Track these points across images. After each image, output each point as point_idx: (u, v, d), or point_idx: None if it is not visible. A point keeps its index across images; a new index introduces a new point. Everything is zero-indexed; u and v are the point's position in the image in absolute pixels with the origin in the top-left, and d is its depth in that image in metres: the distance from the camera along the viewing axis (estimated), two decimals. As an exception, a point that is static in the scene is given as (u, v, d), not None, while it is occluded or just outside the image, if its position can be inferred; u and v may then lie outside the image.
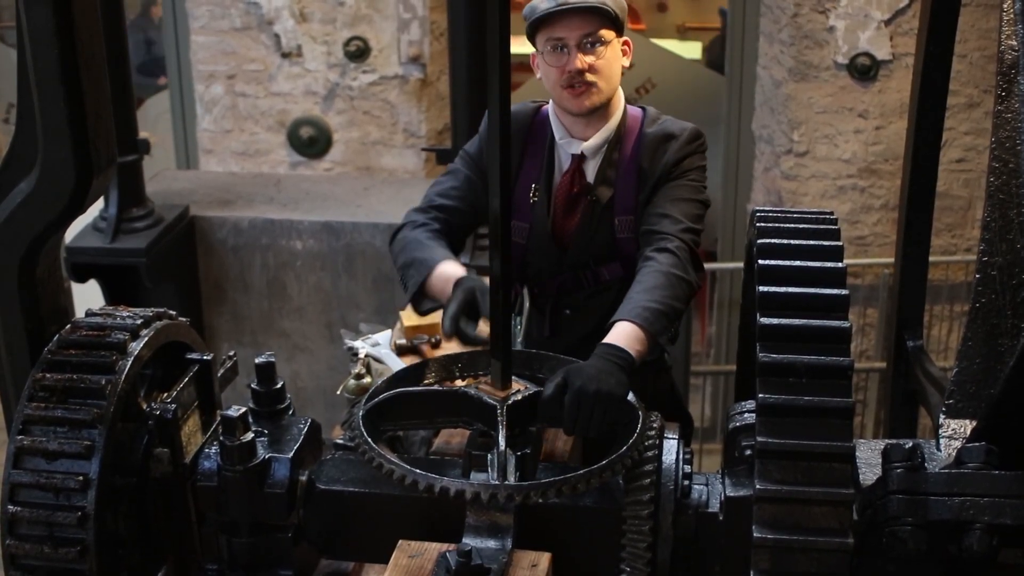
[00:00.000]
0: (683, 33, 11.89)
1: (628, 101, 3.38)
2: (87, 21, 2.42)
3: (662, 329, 2.93)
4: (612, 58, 3.24)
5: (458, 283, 2.97)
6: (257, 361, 2.60)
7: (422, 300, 3.23)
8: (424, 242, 3.26)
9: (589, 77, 3.20)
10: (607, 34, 3.21)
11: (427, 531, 2.42)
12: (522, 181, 3.36)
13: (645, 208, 3.27)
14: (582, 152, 3.31)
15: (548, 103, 3.41)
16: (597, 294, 3.41)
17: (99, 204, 5.64)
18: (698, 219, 3.22)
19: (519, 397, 2.47)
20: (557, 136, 3.34)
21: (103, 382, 2.34)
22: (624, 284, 3.35)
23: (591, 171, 3.33)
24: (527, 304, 3.53)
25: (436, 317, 4.45)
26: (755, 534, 2.08)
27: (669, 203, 3.21)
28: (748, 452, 2.35)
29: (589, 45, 3.19)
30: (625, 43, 3.29)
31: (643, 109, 3.40)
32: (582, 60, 3.19)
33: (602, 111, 3.30)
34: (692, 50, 11.14)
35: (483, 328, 2.81)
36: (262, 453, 2.46)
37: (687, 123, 3.35)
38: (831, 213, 2.50)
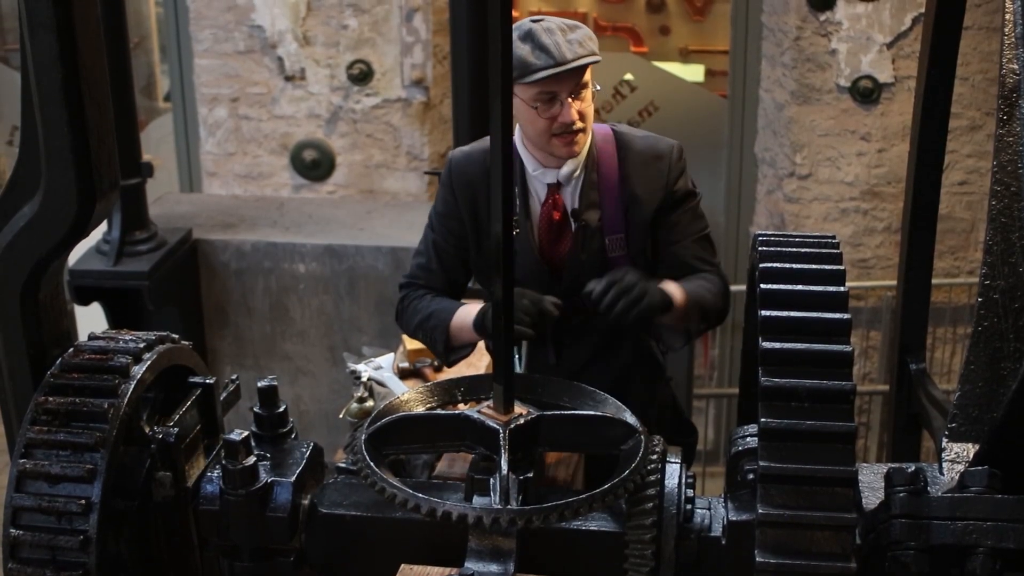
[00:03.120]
0: (686, 56, 11.91)
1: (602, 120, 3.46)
2: (90, 46, 2.43)
3: (695, 316, 3.30)
4: (591, 96, 3.27)
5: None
6: (259, 384, 2.60)
7: (451, 349, 3.44)
8: (429, 303, 3.44)
9: (579, 125, 3.22)
10: (588, 75, 3.23)
11: (429, 555, 2.42)
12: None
13: (659, 232, 3.38)
14: (558, 180, 3.32)
15: None
16: (594, 316, 3.41)
17: (102, 227, 5.65)
18: (712, 244, 3.48)
19: (521, 421, 2.46)
20: (530, 168, 3.34)
21: (105, 406, 2.34)
22: None
23: (570, 196, 3.34)
24: None
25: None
26: (757, 559, 2.08)
27: (695, 243, 3.42)
28: (751, 476, 2.35)
29: (578, 93, 3.20)
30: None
31: (609, 126, 3.45)
32: (574, 111, 3.19)
33: None
34: (695, 73, 11.16)
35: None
36: (264, 477, 2.46)
37: (665, 138, 3.43)
38: (833, 237, 2.50)
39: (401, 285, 3.53)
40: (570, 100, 3.19)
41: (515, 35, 3.18)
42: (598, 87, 3.31)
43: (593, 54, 3.19)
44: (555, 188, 3.33)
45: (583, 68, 3.18)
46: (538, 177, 3.34)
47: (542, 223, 3.36)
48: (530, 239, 3.36)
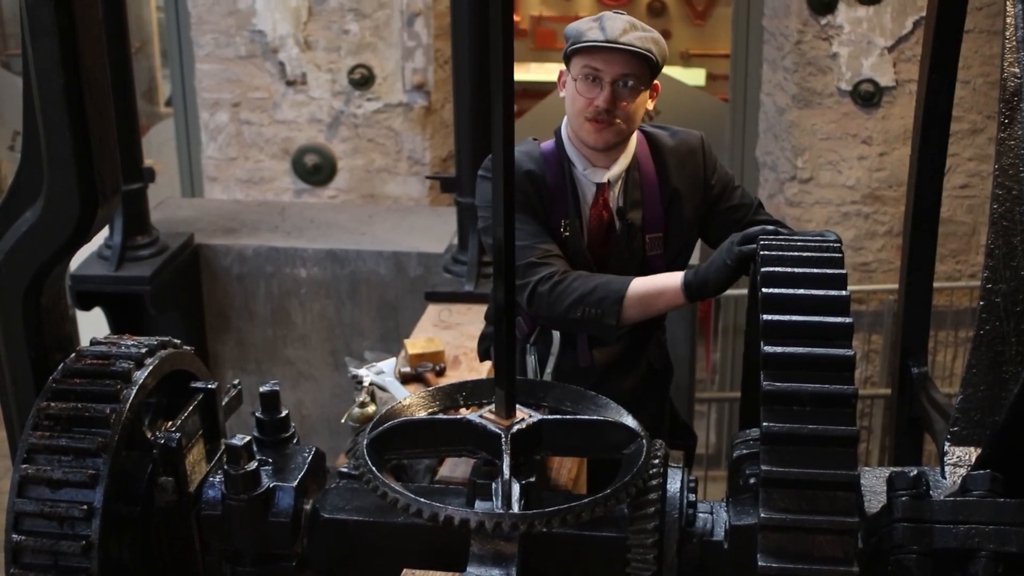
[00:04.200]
0: (687, 60, 11.94)
1: None
2: (92, 51, 2.43)
3: None
4: (640, 102, 3.33)
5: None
6: (261, 389, 2.60)
7: (619, 326, 3.30)
8: (587, 279, 3.30)
9: (612, 116, 3.26)
10: (643, 78, 3.27)
11: (431, 560, 2.42)
12: (552, 219, 3.40)
13: (723, 222, 3.48)
14: (607, 180, 3.37)
15: (551, 139, 3.47)
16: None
17: (104, 232, 5.65)
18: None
19: (523, 425, 2.46)
20: (580, 167, 3.40)
21: (108, 411, 2.34)
22: None
23: (615, 196, 3.39)
24: (556, 338, 3.54)
25: (439, 346, 4.47)
26: (760, 563, 2.08)
27: (753, 204, 3.53)
28: (752, 480, 2.35)
29: (623, 85, 3.26)
30: (655, 87, 3.36)
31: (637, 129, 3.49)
32: (613, 99, 3.25)
33: (621, 144, 3.37)
34: (696, 77, 11.18)
35: None
36: (266, 482, 2.45)
37: (688, 131, 3.55)
38: (835, 240, 2.50)
39: (530, 264, 3.33)
40: (611, 88, 3.24)
41: (591, 17, 3.35)
42: (651, 107, 3.39)
43: (649, 52, 3.23)
44: (603, 188, 3.39)
45: (631, 57, 3.24)
46: (587, 176, 3.40)
47: (592, 223, 3.41)
48: (581, 238, 3.40)
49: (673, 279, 3.20)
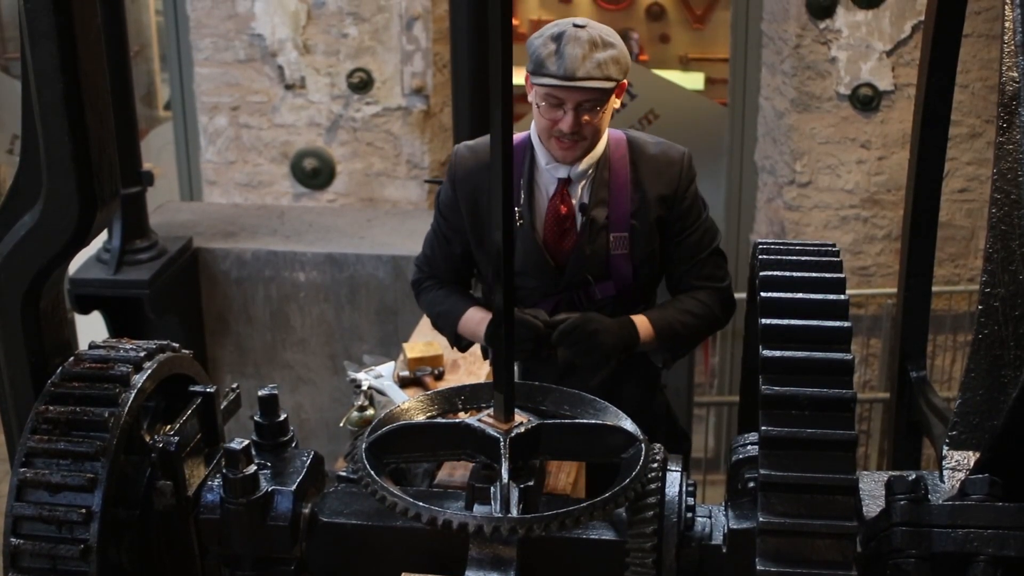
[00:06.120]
0: (686, 64, 11.93)
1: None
2: (91, 55, 2.43)
3: (669, 350, 3.48)
4: (606, 115, 3.28)
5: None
6: (260, 393, 2.60)
7: (461, 341, 3.64)
8: (440, 300, 3.62)
9: (577, 137, 3.26)
10: (606, 96, 3.23)
11: (430, 564, 2.42)
12: None
13: (667, 244, 3.47)
14: (569, 176, 3.37)
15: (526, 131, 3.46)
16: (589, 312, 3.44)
17: (103, 235, 5.65)
18: (723, 257, 3.55)
19: (522, 430, 2.46)
20: (543, 161, 3.38)
21: (106, 415, 2.34)
22: (616, 303, 3.42)
23: (579, 192, 3.38)
24: None
25: (438, 350, 4.47)
26: (758, 567, 2.08)
27: (701, 263, 3.49)
28: (751, 484, 2.35)
29: (587, 107, 3.22)
30: (620, 85, 3.29)
31: (623, 133, 3.49)
32: (577, 122, 3.23)
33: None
34: (695, 81, 11.17)
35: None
36: (265, 486, 2.45)
37: (676, 145, 3.49)
38: (833, 245, 2.51)
39: (416, 266, 3.71)
40: (575, 113, 3.21)
41: (552, 29, 3.22)
42: (623, 105, 3.38)
43: (608, 79, 3.18)
44: (564, 183, 3.38)
45: (591, 88, 3.20)
46: (550, 171, 3.39)
47: (549, 216, 3.40)
48: (534, 231, 3.40)
49: (474, 321, 3.52)
